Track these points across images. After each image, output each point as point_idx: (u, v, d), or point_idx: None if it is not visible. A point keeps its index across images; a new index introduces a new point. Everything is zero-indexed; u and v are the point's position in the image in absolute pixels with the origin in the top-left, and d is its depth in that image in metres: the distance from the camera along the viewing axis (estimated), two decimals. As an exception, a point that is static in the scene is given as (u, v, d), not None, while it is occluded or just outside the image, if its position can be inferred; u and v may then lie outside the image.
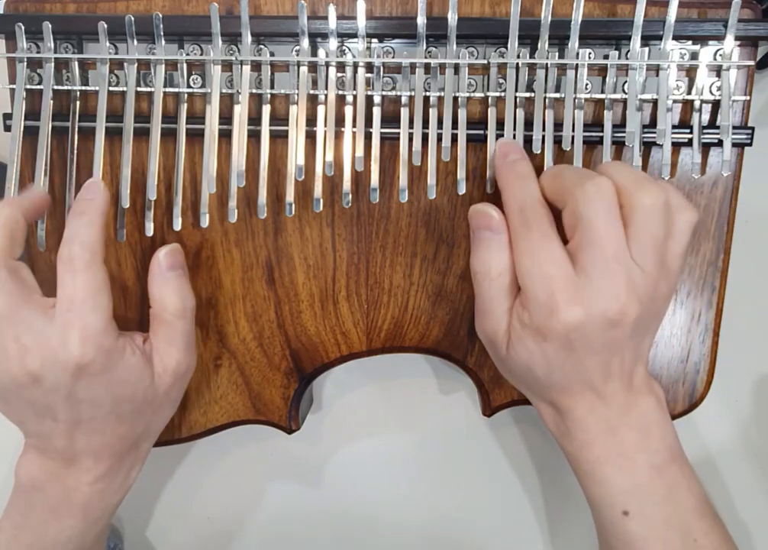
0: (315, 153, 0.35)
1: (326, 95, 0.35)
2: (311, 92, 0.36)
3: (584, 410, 0.32)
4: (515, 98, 0.35)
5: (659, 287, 0.31)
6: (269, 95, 0.36)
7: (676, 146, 0.36)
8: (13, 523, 0.35)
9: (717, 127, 0.35)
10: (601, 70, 0.36)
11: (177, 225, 0.37)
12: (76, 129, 0.37)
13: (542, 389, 0.34)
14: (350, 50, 0.36)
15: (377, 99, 0.36)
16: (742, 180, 0.37)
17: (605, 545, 0.35)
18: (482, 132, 0.36)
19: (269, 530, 0.47)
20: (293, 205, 0.36)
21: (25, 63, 0.36)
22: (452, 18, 0.34)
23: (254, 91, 0.36)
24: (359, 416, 0.46)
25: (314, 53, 0.36)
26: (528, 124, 0.35)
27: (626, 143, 0.35)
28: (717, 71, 0.35)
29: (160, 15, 0.35)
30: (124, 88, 0.36)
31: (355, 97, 0.35)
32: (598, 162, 0.36)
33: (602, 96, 0.35)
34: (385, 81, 0.36)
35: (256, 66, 0.36)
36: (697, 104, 0.35)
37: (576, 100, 0.35)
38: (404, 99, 0.35)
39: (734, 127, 0.35)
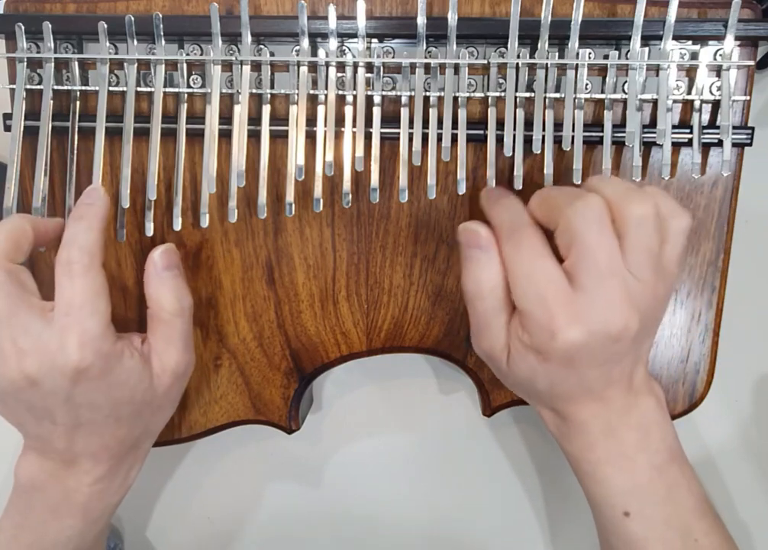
0: (315, 153, 0.35)
1: (326, 95, 0.35)
2: (311, 92, 0.36)
3: (586, 415, 0.32)
4: (515, 98, 0.35)
5: (658, 294, 0.31)
6: (269, 95, 0.36)
7: (676, 146, 0.36)
8: (13, 523, 0.35)
9: (718, 127, 0.35)
10: (601, 70, 0.36)
11: (177, 225, 0.37)
12: (76, 129, 0.37)
13: (544, 398, 0.34)
14: (350, 50, 0.36)
15: (377, 99, 0.36)
16: (742, 180, 0.37)
17: (605, 545, 0.35)
18: (482, 132, 0.36)
19: (269, 530, 0.47)
20: (293, 205, 0.36)
21: (25, 63, 0.36)
22: (452, 18, 0.34)
23: (254, 91, 0.36)
24: (359, 416, 0.46)
25: (314, 53, 0.36)
26: (528, 124, 0.35)
27: (626, 143, 0.35)
28: (718, 71, 0.35)
29: (160, 15, 0.35)
30: (124, 89, 0.36)
31: (355, 97, 0.35)
32: (598, 162, 0.36)
33: (602, 96, 0.35)
34: (385, 81, 0.36)
35: (256, 66, 0.36)
36: (697, 104, 0.35)
37: (576, 100, 0.35)
38: (404, 99, 0.35)
39: (734, 127, 0.35)
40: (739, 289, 0.39)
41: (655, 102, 0.35)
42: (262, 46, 0.36)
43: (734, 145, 0.35)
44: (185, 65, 0.36)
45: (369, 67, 0.36)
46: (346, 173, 0.36)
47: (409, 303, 0.39)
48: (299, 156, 0.35)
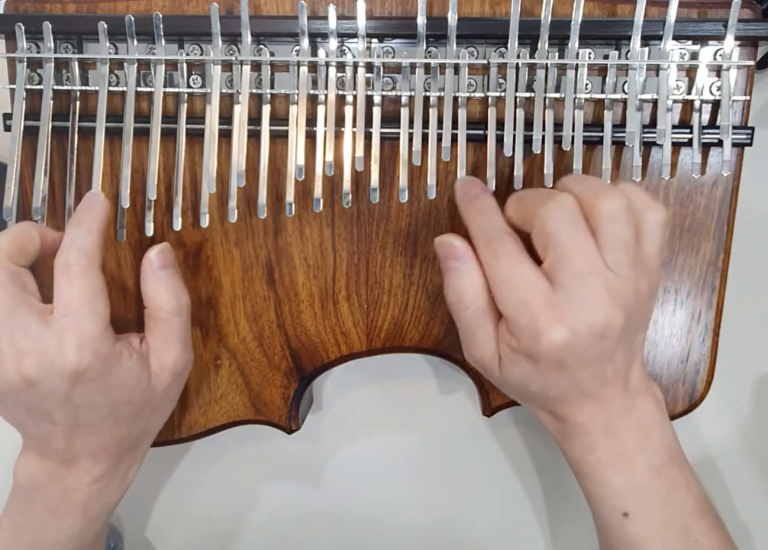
0: (315, 153, 0.35)
1: (326, 95, 0.35)
2: (311, 92, 0.36)
3: (584, 416, 0.32)
4: (515, 98, 0.35)
5: (640, 288, 0.30)
6: (269, 95, 0.36)
7: (676, 146, 0.36)
8: (12, 523, 0.35)
9: (718, 127, 0.35)
10: (601, 70, 0.36)
11: (177, 225, 0.37)
12: (76, 129, 0.37)
13: (540, 402, 0.34)
14: (350, 50, 0.36)
15: (377, 99, 0.36)
16: (742, 180, 0.37)
17: (605, 545, 0.35)
18: (482, 132, 0.36)
19: (268, 530, 0.47)
20: (293, 205, 0.36)
21: (25, 63, 0.36)
22: (452, 18, 0.34)
23: (254, 91, 0.36)
24: (359, 416, 0.46)
25: (314, 53, 0.36)
26: (528, 124, 0.35)
27: (626, 143, 0.35)
28: (718, 71, 0.35)
29: (160, 15, 0.35)
30: (124, 89, 0.36)
31: (355, 97, 0.35)
32: (598, 162, 0.36)
33: (602, 96, 0.35)
34: (385, 81, 0.36)
35: (256, 66, 0.36)
36: (697, 104, 0.35)
37: (576, 100, 0.35)
38: (404, 99, 0.35)
39: (734, 127, 0.35)
40: (739, 289, 0.39)
41: (655, 102, 0.35)
42: (262, 46, 0.36)
43: (734, 145, 0.35)
44: (185, 65, 0.36)
45: (369, 67, 0.36)
46: (346, 173, 0.36)
47: (409, 303, 0.39)
48: (299, 156, 0.35)
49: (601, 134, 0.35)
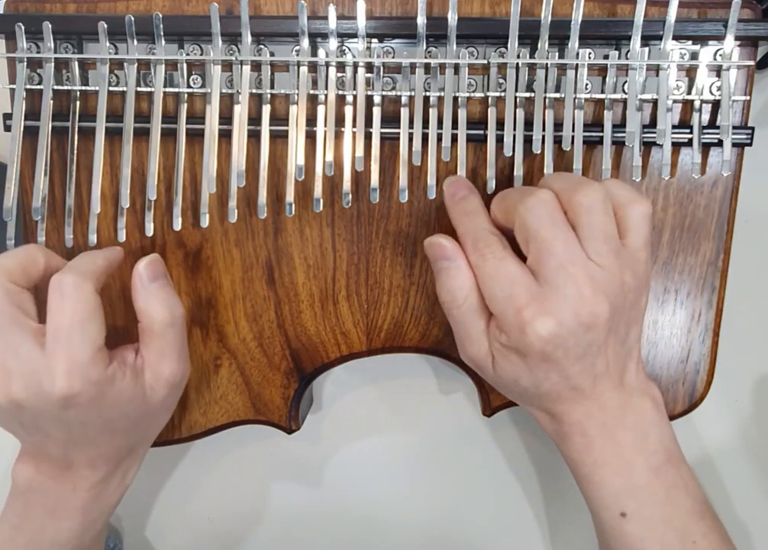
0: (315, 153, 0.35)
1: (326, 95, 0.35)
2: (311, 92, 0.36)
3: (579, 415, 0.32)
4: (515, 98, 0.35)
5: (625, 279, 0.31)
6: (269, 95, 0.36)
7: (676, 146, 0.36)
8: (10, 525, 0.35)
9: (718, 127, 0.35)
10: (601, 70, 0.36)
11: (177, 225, 0.37)
12: (76, 129, 0.37)
13: (534, 400, 0.34)
14: (350, 50, 0.36)
15: (377, 99, 0.36)
16: (742, 180, 0.37)
17: (604, 546, 0.35)
18: (482, 132, 0.36)
19: (268, 530, 0.47)
20: (293, 205, 0.36)
21: (25, 63, 0.36)
22: (452, 18, 0.34)
23: (254, 91, 0.36)
24: (359, 416, 0.46)
25: (314, 53, 0.36)
26: (528, 124, 0.35)
27: (626, 143, 0.35)
28: (718, 71, 0.35)
29: (160, 15, 0.35)
30: (124, 89, 0.36)
31: (355, 97, 0.35)
32: (598, 162, 0.36)
33: (602, 96, 0.35)
34: (385, 81, 0.36)
35: (256, 66, 0.36)
36: (697, 104, 0.35)
37: (576, 100, 0.35)
38: (404, 99, 0.35)
39: (734, 127, 0.35)
40: (739, 289, 0.39)
41: (655, 102, 0.35)
42: (262, 46, 0.36)
43: (734, 145, 0.35)
44: (185, 65, 0.36)
45: (369, 67, 0.36)
46: (346, 173, 0.36)
47: (409, 303, 0.39)
48: (299, 156, 0.35)
49: (601, 134, 0.35)
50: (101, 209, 0.37)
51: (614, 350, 0.32)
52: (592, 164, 0.37)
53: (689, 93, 0.36)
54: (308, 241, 0.38)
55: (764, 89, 0.42)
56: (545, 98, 0.35)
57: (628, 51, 0.34)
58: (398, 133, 0.35)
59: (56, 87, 0.36)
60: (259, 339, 0.39)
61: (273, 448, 0.46)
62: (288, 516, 0.47)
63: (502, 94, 0.35)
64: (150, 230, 0.37)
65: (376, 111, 0.36)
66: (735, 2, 0.33)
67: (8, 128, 0.37)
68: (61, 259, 0.34)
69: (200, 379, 0.39)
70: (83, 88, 0.37)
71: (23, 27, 0.35)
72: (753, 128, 0.35)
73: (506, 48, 0.34)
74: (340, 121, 0.36)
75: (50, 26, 0.35)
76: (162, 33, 0.35)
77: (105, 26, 0.35)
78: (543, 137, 0.35)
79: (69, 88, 0.37)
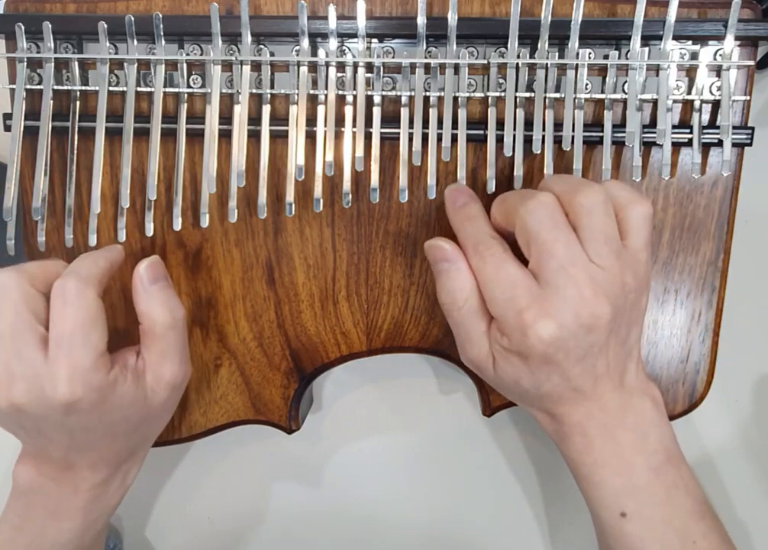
0: (315, 153, 0.35)
1: (326, 95, 0.35)
2: (311, 92, 0.36)
3: (580, 416, 0.32)
4: (515, 98, 0.35)
5: (626, 281, 0.31)
6: (269, 95, 0.36)
7: (676, 146, 0.36)
8: (11, 525, 0.35)
9: (718, 127, 0.35)
10: (601, 70, 0.36)
11: (177, 225, 0.37)
12: (76, 129, 0.37)
13: (535, 400, 0.34)
14: (350, 50, 0.36)
15: (377, 99, 0.36)
16: (742, 180, 0.37)
17: (604, 546, 0.35)
18: (482, 132, 0.36)
19: (268, 530, 0.47)
20: (293, 205, 0.36)
21: (25, 63, 0.36)
22: (452, 18, 0.34)
23: (254, 91, 0.36)
24: (359, 416, 0.46)
25: (314, 53, 0.36)
26: (528, 124, 0.35)
27: (626, 143, 0.35)
28: (718, 71, 0.35)
29: (160, 15, 0.35)
30: (124, 89, 0.36)
31: (355, 97, 0.35)
32: (598, 162, 0.36)
33: (602, 96, 0.35)
34: (385, 81, 0.36)
35: (256, 66, 0.36)
36: (697, 104, 0.35)
37: (576, 100, 0.35)
38: (404, 99, 0.35)
39: (734, 127, 0.35)
40: (739, 289, 0.39)
41: (655, 102, 0.35)
42: (262, 46, 0.36)
43: (734, 145, 0.35)
44: (185, 65, 0.36)
45: (369, 67, 0.36)
46: (346, 173, 0.36)
47: (409, 303, 0.39)
48: (299, 156, 0.35)
49: (601, 134, 0.35)
50: (101, 209, 0.37)
51: (614, 351, 0.32)
52: (592, 164, 0.37)
53: (689, 93, 0.36)
54: (308, 241, 0.38)
55: (764, 89, 0.42)
56: (545, 98, 0.35)
57: (628, 51, 0.34)
58: (398, 133, 0.35)
59: (56, 87, 0.36)
60: (259, 339, 0.39)
61: (273, 448, 0.46)
62: (288, 516, 0.47)
63: (502, 94, 0.35)
64: (149, 230, 0.37)
65: (376, 111, 0.36)
66: (735, 2, 0.33)
67: (8, 128, 0.36)
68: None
69: (200, 379, 0.39)
70: (83, 88, 0.37)
71: (23, 27, 0.35)
72: (753, 128, 0.35)
73: (506, 48, 0.34)
74: (340, 121, 0.36)
75: (50, 26, 0.35)
76: (162, 33, 0.35)
77: (105, 26, 0.35)
78: (543, 137, 0.35)
79: (69, 88, 0.37)
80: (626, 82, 0.35)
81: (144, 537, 0.48)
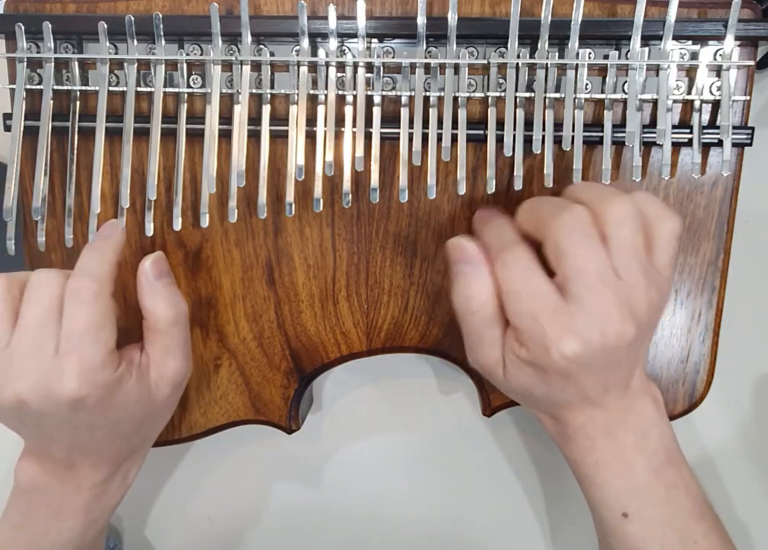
0: (315, 153, 0.35)
1: (326, 95, 0.35)
2: (311, 92, 0.36)
3: (584, 419, 0.32)
4: (515, 98, 0.35)
5: (651, 298, 0.30)
6: (269, 95, 0.36)
7: (676, 146, 0.36)
8: (12, 525, 0.35)
9: (718, 127, 0.35)
10: (601, 70, 0.36)
11: (177, 225, 0.37)
12: (76, 129, 0.37)
13: (541, 406, 0.34)
14: (350, 50, 0.36)
15: (377, 99, 0.36)
16: (742, 180, 0.37)
17: (604, 546, 0.35)
18: (482, 132, 0.36)
19: (268, 530, 0.47)
20: (293, 205, 0.36)
21: (25, 63, 0.36)
22: (452, 18, 0.34)
23: (254, 91, 0.36)
24: (359, 416, 0.46)
25: (314, 53, 0.36)
26: (528, 124, 0.35)
27: (626, 143, 0.35)
28: (718, 71, 0.35)
29: (160, 15, 0.35)
30: (124, 89, 0.36)
31: (355, 97, 0.35)
32: (598, 162, 0.36)
33: (602, 96, 0.35)
34: (385, 81, 0.36)
35: (256, 66, 0.36)
36: (697, 104, 0.35)
37: (576, 100, 0.35)
38: (404, 99, 0.35)
39: (734, 127, 0.35)
40: (739, 289, 0.39)
41: (655, 102, 0.35)
42: (262, 46, 0.36)
43: (734, 145, 0.35)
44: (185, 65, 0.36)
45: (369, 67, 0.36)
46: (346, 173, 0.36)
47: (409, 303, 0.39)
48: (299, 156, 0.35)
49: (601, 134, 0.35)
50: (101, 209, 0.37)
51: (627, 364, 0.32)
52: (592, 164, 0.37)
53: (689, 93, 0.36)
54: (308, 241, 0.38)
55: (764, 89, 0.42)
56: (545, 98, 0.35)
57: (628, 51, 0.34)
58: (398, 133, 0.35)
59: (56, 87, 0.36)
60: (259, 339, 0.39)
61: (273, 448, 0.46)
62: (288, 516, 0.47)
63: (502, 94, 0.35)
64: (150, 230, 0.37)
65: (376, 111, 0.36)
66: (735, 2, 0.33)
67: (8, 128, 0.36)
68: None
69: (200, 379, 0.39)
70: (83, 88, 0.37)
71: (23, 27, 0.35)
72: (753, 128, 0.35)
73: (506, 48, 0.34)
74: (340, 121, 0.36)
75: (49, 26, 0.35)
76: (162, 33, 0.35)
77: (105, 26, 0.35)
78: (543, 137, 0.35)
79: (69, 88, 0.37)
80: (626, 82, 0.35)
81: (144, 537, 0.48)
